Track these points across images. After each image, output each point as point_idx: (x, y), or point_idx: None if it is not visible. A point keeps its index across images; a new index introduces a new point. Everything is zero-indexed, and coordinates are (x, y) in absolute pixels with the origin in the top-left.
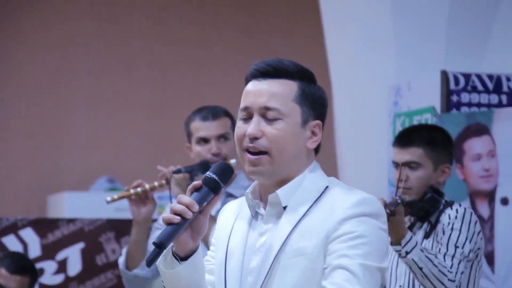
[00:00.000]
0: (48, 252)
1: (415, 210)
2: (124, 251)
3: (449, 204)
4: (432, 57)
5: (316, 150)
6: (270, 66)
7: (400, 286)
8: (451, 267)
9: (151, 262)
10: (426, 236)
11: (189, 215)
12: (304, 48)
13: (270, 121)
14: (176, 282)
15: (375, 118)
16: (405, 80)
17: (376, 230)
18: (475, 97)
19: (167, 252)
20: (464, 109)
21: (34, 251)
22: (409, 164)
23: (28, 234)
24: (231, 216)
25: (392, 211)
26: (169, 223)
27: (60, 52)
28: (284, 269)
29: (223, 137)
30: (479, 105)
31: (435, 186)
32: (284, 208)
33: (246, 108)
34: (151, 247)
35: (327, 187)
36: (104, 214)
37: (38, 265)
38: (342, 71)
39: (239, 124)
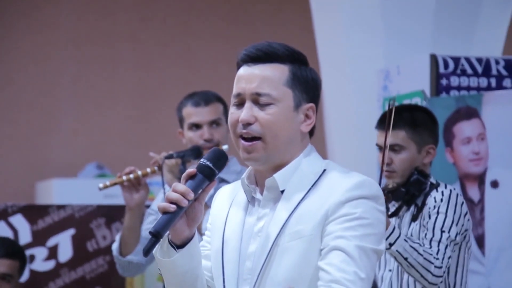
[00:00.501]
0: (39, 238)
1: (400, 195)
2: (117, 237)
3: (436, 186)
4: (420, 41)
5: (311, 133)
6: (260, 51)
7: (390, 270)
8: (437, 253)
9: (148, 251)
10: (414, 219)
11: (184, 203)
12: (292, 32)
13: (262, 106)
14: (173, 270)
15: (364, 103)
16: (394, 63)
17: (375, 212)
18: (464, 81)
19: (163, 240)
20: (454, 93)
21: (25, 237)
22: (392, 147)
23: (19, 220)
24: (226, 201)
25: None
26: (164, 211)
27: (46, 39)
28: (283, 253)
29: (215, 123)
30: (468, 88)
31: (420, 167)
32: (282, 192)
33: (238, 95)
34: (144, 233)
35: (324, 170)
36: (93, 200)
37: (28, 252)
38: (330, 55)
39: (232, 110)
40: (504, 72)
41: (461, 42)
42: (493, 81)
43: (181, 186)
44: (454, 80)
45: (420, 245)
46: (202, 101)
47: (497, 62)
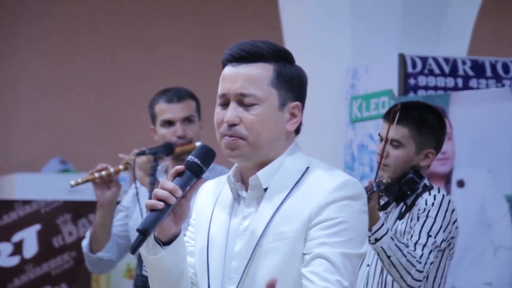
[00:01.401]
0: (4, 233)
1: (393, 191)
2: (87, 233)
3: (429, 188)
4: (388, 40)
5: (297, 131)
6: (243, 50)
7: (368, 265)
8: (420, 257)
9: (135, 249)
10: (400, 217)
11: (172, 200)
12: (258, 29)
13: (247, 106)
14: (158, 267)
15: (332, 101)
16: (362, 62)
17: (358, 214)
18: (432, 80)
19: (148, 237)
20: (421, 92)
21: None
22: (391, 142)
23: None
24: (210, 197)
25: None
26: (152, 209)
27: (7, 33)
28: (266, 253)
29: (188, 120)
30: (435, 88)
31: (417, 168)
32: (265, 190)
33: (223, 95)
34: (115, 230)
35: (307, 168)
36: (57, 195)
37: None
38: (298, 53)
39: (218, 110)
40: (470, 73)
41: (427, 42)
42: (459, 81)
43: (169, 183)
44: (422, 80)
45: (405, 246)
46: (175, 97)
47: (463, 63)
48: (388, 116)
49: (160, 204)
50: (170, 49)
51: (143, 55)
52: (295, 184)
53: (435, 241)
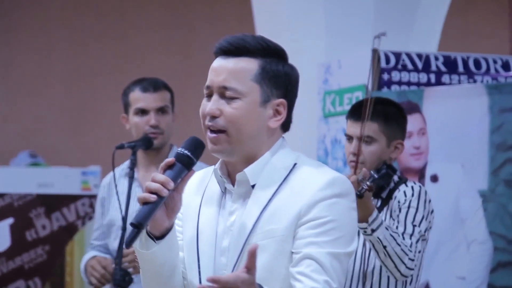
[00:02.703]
0: None
1: (382, 180)
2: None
3: (403, 181)
4: (361, 35)
5: (286, 128)
6: (231, 44)
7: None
8: (410, 246)
9: (130, 242)
10: (378, 211)
11: (165, 192)
12: (230, 23)
13: (228, 99)
14: (152, 262)
15: (305, 96)
16: (335, 57)
17: (347, 212)
18: (405, 76)
19: (142, 232)
20: (395, 88)
21: None
22: (363, 138)
23: None
24: (198, 190)
25: (361, 193)
26: (145, 202)
27: None
28: None
29: (162, 110)
30: (409, 83)
31: (388, 162)
32: (253, 186)
33: (207, 87)
34: (95, 234)
35: (295, 164)
36: (27, 189)
37: None
38: None
39: (203, 101)
40: (443, 68)
41: (399, 37)
42: (432, 77)
43: (161, 176)
44: (395, 75)
45: (398, 236)
46: (151, 87)
47: (436, 58)
48: (355, 114)
49: (153, 197)
50: (141, 41)
51: (114, 47)
52: (283, 181)
53: (420, 230)
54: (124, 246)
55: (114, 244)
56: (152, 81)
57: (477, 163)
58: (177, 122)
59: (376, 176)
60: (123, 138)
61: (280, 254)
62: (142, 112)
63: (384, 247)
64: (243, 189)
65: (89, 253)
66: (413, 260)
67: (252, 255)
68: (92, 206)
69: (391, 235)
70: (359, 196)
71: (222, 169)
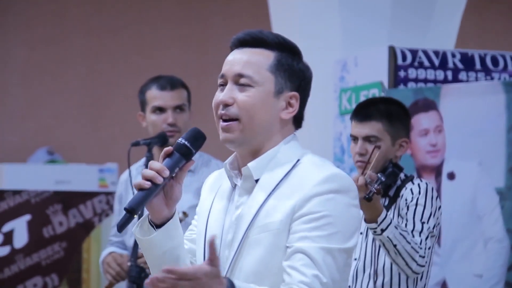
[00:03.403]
0: None
1: (388, 181)
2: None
3: (410, 178)
4: (377, 32)
5: (298, 123)
6: (248, 35)
7: (356, 259)
8: (420, 243)
9: (121, 226)
10: (386, 209)
11: (159, 180)
12: (246, 21)
13: (242, 87)
14: (152, 250)
15: (321, 93)
16: (351, 55)
17: (344, 208)
18: (422, 73)
19: (143, 220)
20: (411, 85)
21: None
22: (368, 138)
23: None
24: (213, 187)
25: (370, 196)
26: (140, 188)
27: None
28: (251, 245)
29: (179, 108)
30: (425, 80)
31: (394, 160)
32: (257, 181)
33: (222, 76)
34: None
35: (298, 160)
36: (44, 186)
37: None
38: None
39: (217, 93)
40: (460, 65)
41: (416, 35)
42: (449, 74)
43: (156, 164)
44: (412, 72)
45: (408, 234)
46: (168, 85)
47: (453, 55)
48: (359, 115)
49: (147, 184)
50: (159, 39)
51: (131, 44)
52: (284, 176)
53: (429, 227)
54: (116, 230)
55: (130, 241)
56: (169, 79)
57: (494, 160)
58: (193, 119)
59: (383, 179)
60: (140, 135)
61: (275, 248)
62: (160, 110)
63: (394, 246)
64: (249, 184)
65: (107, 249)
66: (423, 257)
67: (211, 247)
68: (108, 203)
69: (401, 234)
70: (368, 199)
71: (232, 164)
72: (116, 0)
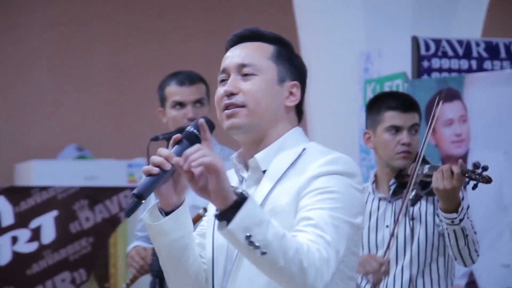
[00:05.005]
0: (21, 220)
1: (424, 183)
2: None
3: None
4: (401, 23)
5: (299, 117)
6: (246, 30)
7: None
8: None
9: (129, 212)
10: (416, 200)
11: (167, 166)
12: (271, 14)
13: (246, 76)
14: (161, 237)
15: (345, 85)
16: (375, 46)
17: (348, 188)
18: (445, 63)
19: (153, 207)
20: (435, 75)
21: (7, 219)
22: (414, 128)
23: (1, 202)
24: None
25: (475, 185)
26: (148, 174)
27: (22, 21)
28: None
29: (199, 102)
30: (449, 70)
31: None
32: (264, 172)
33: (223, 70)
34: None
35: (304, 149)
36: (73, 182)
37: (11, 233)
38: (311, 38)
39: (219, 88)
40: (484, 54)
41: (441, 24)
42: (473, 63)
43: (165, 150)
44: (436, 62)
45: (472, 225)
46: (187, 80)
47: (477, 44)
48: (404, 106)
49: (155, 169)
50: (183, 37)
51: (156, 40)
52: (290, 165)
53: (471, 220)
54: (124, 215)
55: None
56: (188, 74)
57: None
58: (212, 114)
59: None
60: (167, 130)
61: (285, 229)
62: (180, 105)
63: (466, 236)
64: (256, 175)
65: (133, 243)
66: (479, 246)
67: (202, 127)
68: None
69: (471, 224)
70: (473, 187)
71: (239, 158)
72: (141, 0)
